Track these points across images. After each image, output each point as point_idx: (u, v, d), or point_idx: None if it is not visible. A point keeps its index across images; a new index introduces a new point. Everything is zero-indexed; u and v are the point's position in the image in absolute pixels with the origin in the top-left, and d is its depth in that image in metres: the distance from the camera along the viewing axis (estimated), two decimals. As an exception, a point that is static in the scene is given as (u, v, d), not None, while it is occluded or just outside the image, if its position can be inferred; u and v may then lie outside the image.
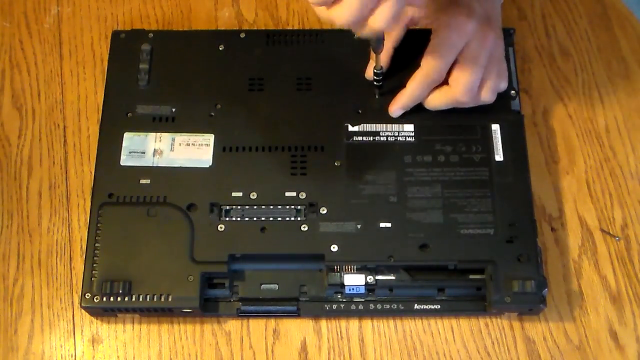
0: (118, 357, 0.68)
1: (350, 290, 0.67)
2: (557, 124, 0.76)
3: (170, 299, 0.66)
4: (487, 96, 0.70)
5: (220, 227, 0.68)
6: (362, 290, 0.67)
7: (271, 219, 0.69)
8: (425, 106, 0.71)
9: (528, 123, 0.75)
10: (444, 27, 0.67)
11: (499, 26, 0.71)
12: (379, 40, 0.66)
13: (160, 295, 0.66)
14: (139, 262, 0.67)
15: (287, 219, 0.69)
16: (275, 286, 0.68)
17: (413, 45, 0.71)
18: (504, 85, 0.71)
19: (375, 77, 0.71)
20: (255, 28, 0.80)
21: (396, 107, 0.71)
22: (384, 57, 0.72)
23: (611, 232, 0.71)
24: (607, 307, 0.69)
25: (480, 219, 0.68)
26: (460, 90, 0.68)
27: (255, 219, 0.69)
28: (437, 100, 0.70)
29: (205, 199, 0.69)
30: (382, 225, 0.68)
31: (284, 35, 0.76)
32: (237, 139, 0.72)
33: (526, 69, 0.78)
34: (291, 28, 0.80)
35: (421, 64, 0.68)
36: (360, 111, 0.72)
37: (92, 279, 0.67)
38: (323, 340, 0.68)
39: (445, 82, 0.69)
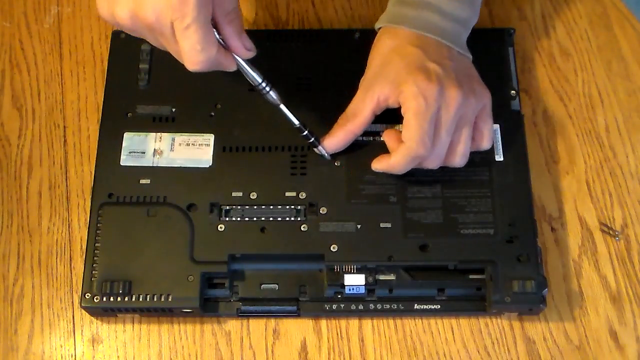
0: (118, 357, 0.68)
1: (350, 290, 0.67)
2: (557, 124, 0.76)
3: (170, 299, 0.66)
4: (457, 161, 0.67)
5: (220, 227, 0.68)
6: (362, 290, 0.67)
7: (271, 219, 0.69)
8: (389, 171, 0.68)
9: (528, 123, 0.75)
10: (411, 98, 0.64)
11: (473, 83, 0.67)
12: (263, 90, 0.65)
13: (160, 295, 0.66)
14: (139, 262, 0.67)
15: (287, 219, 0.69)
16: (275, 286, 0.68)
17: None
18: (485, 146, 0.68)
19: (302, 136, 0.69)
20: (255, 28, 0.80)
21: (378, 168, 0.68)
22: (344, 139, 0.69)
23: (612, 228, 0.71)
24: (607, 307, 0.69)
25: (480, 219, 0.68)
26: (428, 162, 0.66)
27: (255, 219, 0.69)
28: (401, 166, 0.67)
29: (205, 199, 0.69)
30: (382, 225, 0.68)
31: (284, 35, 0.76)
32: (237, 139, 0.72)
33: (526, 69, 0.78)
34: (291, 28, 0.80)
35: (402, 139, 0.65)
36: (360, 111, 0.72)
37: (92, 279, 0.67)
38: (323, 340, 0.68)
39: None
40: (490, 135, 0.68)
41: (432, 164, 0.66)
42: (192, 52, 0.57)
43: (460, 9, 0.69)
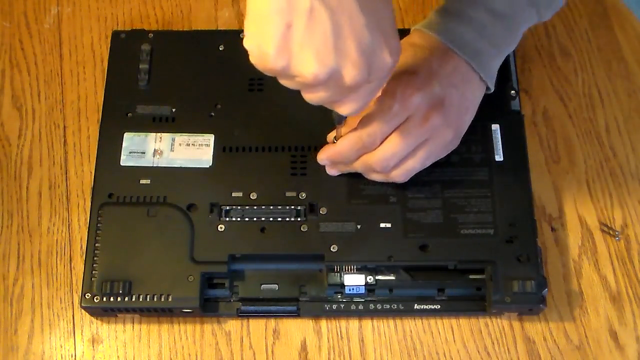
0: (118, 357, 0.68)
1: (350, 290, 0.67)
2: (557, 124, 0.76)
3: (170, 299, 0.66)
4: (398, 175, 0.65)
5: (220, 227, 0.68)
6: (362, 290, 0.67)
7: (271, 219, 0.69)
8: (333, 158, 0.67)
9: (528, 123, 0.75)
10: (390, 95, 0.62)
11: (456, 118, 0.65)
12: (340, 116, 0.60)
13: (160, 295, 0.66)
14: (139, 262, 0.67)
15: (287, 219, 0.69)
16: (275, 286, 0.68)
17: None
18: (399, 177, 0.66)
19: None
20: (255, 28, 0.80)
21: (322, 158, 0.67)
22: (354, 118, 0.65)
23: (612, 228, 0.71)
24: (607, 307, 0.69)
25: (480, 219, 0.68)
26: (374, 160, 0.64)
27: (255, 219, 0.69)
28: (345, 149, 0.65)
29: (205, 199, 0.69)
30: (382, 225, 0.68)
31: (284, 35, 0.76)
32: (237, 139, 0.72)
33: (526, 69, 0.78)
34: (291, 28, 0.80)
35: (357, 125, 0.63)
36: (360, 111, 0.72)
37: (92, 279, 0.67)
38: (323, 340, 0.68)
39: None
40: (414, 168, 0.65)
41: (378, 164, 0.64)
42: (362, 102, 0.55)
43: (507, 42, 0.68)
